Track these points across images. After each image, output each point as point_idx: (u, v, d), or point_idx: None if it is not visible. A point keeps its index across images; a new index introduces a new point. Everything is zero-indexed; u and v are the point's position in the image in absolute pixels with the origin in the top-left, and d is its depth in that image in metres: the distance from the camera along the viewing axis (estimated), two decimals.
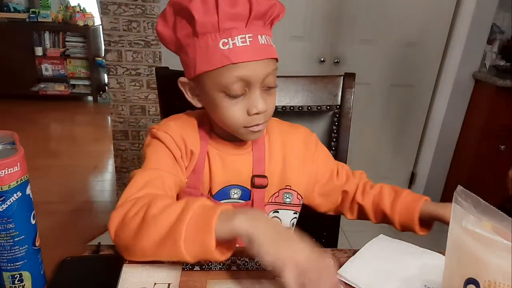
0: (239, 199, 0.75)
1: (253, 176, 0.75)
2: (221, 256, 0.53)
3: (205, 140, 0.73)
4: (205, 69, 0.63)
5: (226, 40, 0.60)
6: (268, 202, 0.78)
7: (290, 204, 0.79)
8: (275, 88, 0.68)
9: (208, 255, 0.52)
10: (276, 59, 0.67)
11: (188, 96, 0.71)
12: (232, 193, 0.75)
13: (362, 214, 0.83)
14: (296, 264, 0.48)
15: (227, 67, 0.61)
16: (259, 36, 0.63)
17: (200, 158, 0.72)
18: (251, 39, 0.61)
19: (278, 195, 0.78)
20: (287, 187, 0.78)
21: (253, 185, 0.75)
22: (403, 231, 0.78)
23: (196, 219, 0.53)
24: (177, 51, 0.69)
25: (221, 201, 0.75)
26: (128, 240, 0.57)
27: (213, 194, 0.74)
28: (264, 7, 0.62)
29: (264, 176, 0.75)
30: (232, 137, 0.72)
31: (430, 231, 0.75)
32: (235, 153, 0.75)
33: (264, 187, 0.75)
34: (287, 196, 0.79)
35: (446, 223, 0.64)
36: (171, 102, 0.95)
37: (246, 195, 0.75)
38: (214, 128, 0.74)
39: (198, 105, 0.71)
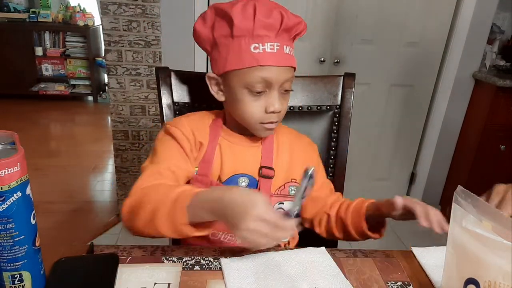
0: (246, 187, 0.80)
1: (261, 167, 0.80)
2: (194, 231, 0.60)
3: (216, 132, 0.80)
4: (235, 67, 0.72)
5: (257, 45, 0.70)
6: (274, 194, 0.82)
7: (294, 195, 0.82)
8: (289, 92, 0.77)
9: (179, 230, 0.59)
10: (294, 68, 0.76)
11: (212, 90, 0.79)
12: (240, 181, 0.80)
13: (328, 227, 0.84)
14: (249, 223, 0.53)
15: (254, 68, 0.70)
16: (284, 46, 0.72)
17: (210, 149, 0.79)
18: (278, 47, 0.71)
19: (283, 188, 0.82)
20: (292, 180, 0.83)
21: (260, 175, 0.80)
22: (360, 237, 0.80)
23: (174, 202, 0.60)
24: (210, 49, 0.77)
25: None
26: (131, 222, 0.65)
27: (222, 181, 0.79)
28: (292, 22, 0.72)
29: (271, 168, 0.81)
30: (243, 131, 0.80)
31: (383, 232, 0.78)
32: (245, 145, 0.82)
33: (270, 177, 0.80)
34: (292, 188, 0.83)
35: (387, 212, 0.71)
36: (171, 102, 0.95)
37: (253, 185, 0.80)
38: (228, 123, 0.82)
39: (221, 99, 0.79)
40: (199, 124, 0.80)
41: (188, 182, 0.78)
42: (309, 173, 0.60)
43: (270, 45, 0.70)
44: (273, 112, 0.74)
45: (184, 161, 0.76)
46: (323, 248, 0.68)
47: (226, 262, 0.62)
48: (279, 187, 0.82)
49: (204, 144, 0.78)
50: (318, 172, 0.82)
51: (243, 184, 0.79)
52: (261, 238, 0.53)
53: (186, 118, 0.81)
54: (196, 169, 0.79)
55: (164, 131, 0.79)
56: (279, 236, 0.55)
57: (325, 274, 0.61)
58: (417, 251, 0.69)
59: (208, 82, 0.78)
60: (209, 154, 0.79)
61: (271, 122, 0.75)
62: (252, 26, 0.69)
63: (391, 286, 0.61)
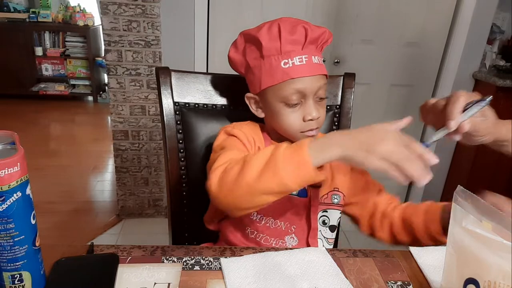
0: (296, 195, 0.84)
1: None
2: (319, 174, 0.59)
3: (267, 143, 0.84)
4: (269, 84, 0.76)
5: (286, 61, 0.74)
6: (319, 203, 0.85)
7: (337, 204, 0.88)
8: (325, 99, 0.79)
9: (306, 170, 0.58)
10: (326, 75, 0.78)
11: (252, 109, 0.84)
12: None
13: (393, 232, 0.83)
14: (383, 155, 0.57)
15: (287, 82, 0.74)
16: (313, 57, 0.75)
17: None
18: (306, 59, 0.74)
19: (327, 197, 0.86)
20: (335, 189, 0.87)
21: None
22: (431, 242, 0.77)
23: (289, 148, 0.60)
24: (245, 72, 0.82)
25: None
26: (231, 183, 0.62)
27: None
28: (317, 34, 0.75)
29: None
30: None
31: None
32: None
33: (319, 187, 0.84)
34: (335, 197, 0.87)
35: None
36: (171, 102, 0.95)
37: (302, 192, 0.84)
38: (271, 137, 0.85)
39: (261, 115, 0.83)
40: (254, 131, 0.84)
41: None
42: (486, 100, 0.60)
43: (299, 58, 0.74)
44: (311, 120, 0.77)
45: None
46: (323, 248, 0.68)
47: (226, 262, 0.62)
48: (323, 196, 0.85)
49: (261, 148, 0.81)
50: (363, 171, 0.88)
51: (294, 192, 0.78)
52: (393, 170, 0.56)
53: (242, 125, 0.83)
54: None
55: (224, 132, 0.81)
56: (418, 164, 0.57)
57: (325, 274, 0.61)
58: (415, 250, 0.70)
59: (247, 102, 0.83)
60: None
61: (311, 130, 0.78)
62: (279, 45, 0.74)
63: (391, 286, 0.61)
